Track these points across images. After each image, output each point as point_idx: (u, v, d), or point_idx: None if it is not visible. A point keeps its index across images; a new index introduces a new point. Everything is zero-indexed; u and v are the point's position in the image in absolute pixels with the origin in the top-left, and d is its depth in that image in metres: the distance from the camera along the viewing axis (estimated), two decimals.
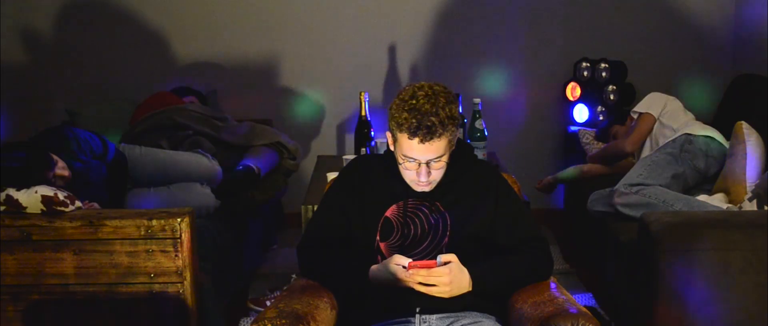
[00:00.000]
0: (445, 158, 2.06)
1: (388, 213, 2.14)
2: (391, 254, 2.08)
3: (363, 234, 2.15)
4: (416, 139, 1.99)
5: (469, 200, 2.14)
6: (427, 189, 2.11)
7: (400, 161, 2.08)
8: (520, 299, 2.08)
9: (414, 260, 2.03)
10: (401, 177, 2.14)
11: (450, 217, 2.12)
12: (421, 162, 2.04)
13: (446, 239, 2.11)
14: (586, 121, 4.35)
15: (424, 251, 2.11)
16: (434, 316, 2.04)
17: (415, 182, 2.09)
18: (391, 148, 2.12)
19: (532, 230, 2.18)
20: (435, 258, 2.04)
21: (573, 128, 4.36)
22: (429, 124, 1.98)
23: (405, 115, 1.99)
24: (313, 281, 2.18)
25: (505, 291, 2.13)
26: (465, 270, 2.03)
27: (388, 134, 2.10)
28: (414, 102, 2.00)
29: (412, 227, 2.12)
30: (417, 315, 2.05)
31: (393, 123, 2.03)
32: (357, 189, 2.18)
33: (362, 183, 2.19)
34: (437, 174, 2.08)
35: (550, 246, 2.23)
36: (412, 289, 2.01)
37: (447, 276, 1.98)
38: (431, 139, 1.99)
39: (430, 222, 2.12)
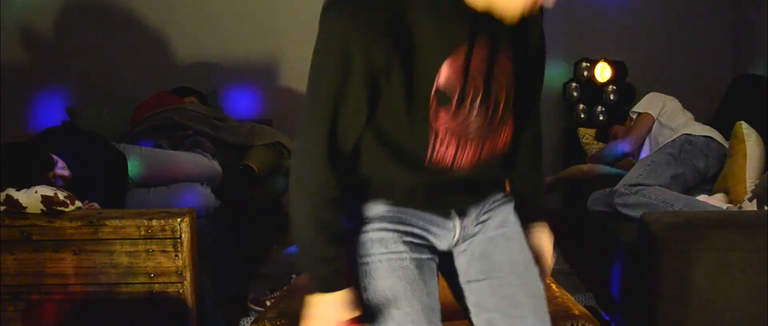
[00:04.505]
0: None
1: (445, 67, 1.41)
2: (447, 134, 1.44)
3: (407, 101, 1.41)
4: None
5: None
6: None
7: None
8: None
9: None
10: (464, 7, 1.38)
11: (515, 78, 1.51)
12: None
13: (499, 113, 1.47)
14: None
15: (477, 133, 1.47)
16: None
17: None
18: None
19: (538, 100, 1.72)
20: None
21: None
22: None
23: None
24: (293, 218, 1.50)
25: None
26: (543, 234, 1.79)
27: None
28: None
29: (472, 90, 1.42)
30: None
31: None
32: (393, 29, 1.36)
33: (400, 18, 1.36)
34: None
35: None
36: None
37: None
38: None
39: (496, 82, 1.45)
